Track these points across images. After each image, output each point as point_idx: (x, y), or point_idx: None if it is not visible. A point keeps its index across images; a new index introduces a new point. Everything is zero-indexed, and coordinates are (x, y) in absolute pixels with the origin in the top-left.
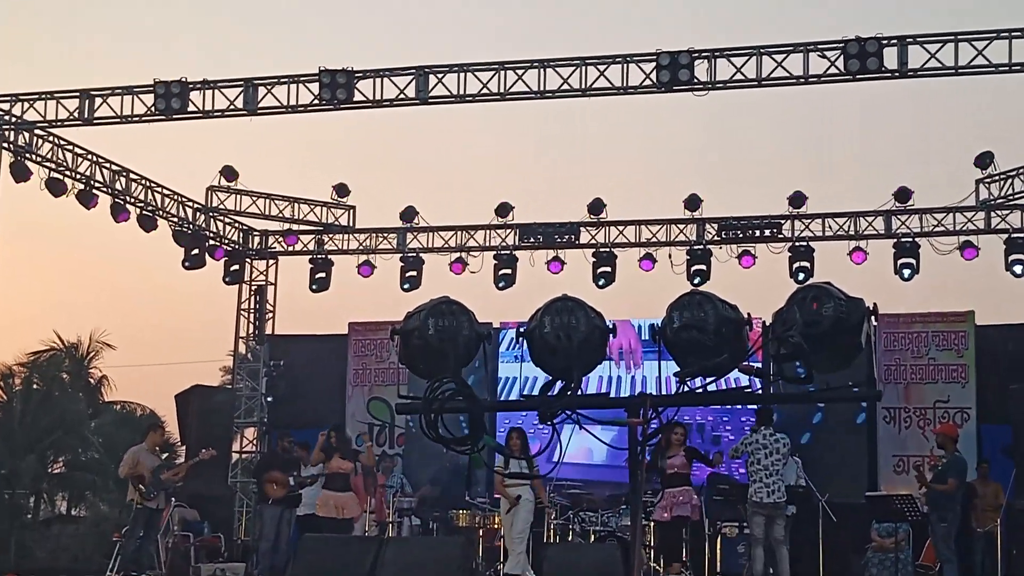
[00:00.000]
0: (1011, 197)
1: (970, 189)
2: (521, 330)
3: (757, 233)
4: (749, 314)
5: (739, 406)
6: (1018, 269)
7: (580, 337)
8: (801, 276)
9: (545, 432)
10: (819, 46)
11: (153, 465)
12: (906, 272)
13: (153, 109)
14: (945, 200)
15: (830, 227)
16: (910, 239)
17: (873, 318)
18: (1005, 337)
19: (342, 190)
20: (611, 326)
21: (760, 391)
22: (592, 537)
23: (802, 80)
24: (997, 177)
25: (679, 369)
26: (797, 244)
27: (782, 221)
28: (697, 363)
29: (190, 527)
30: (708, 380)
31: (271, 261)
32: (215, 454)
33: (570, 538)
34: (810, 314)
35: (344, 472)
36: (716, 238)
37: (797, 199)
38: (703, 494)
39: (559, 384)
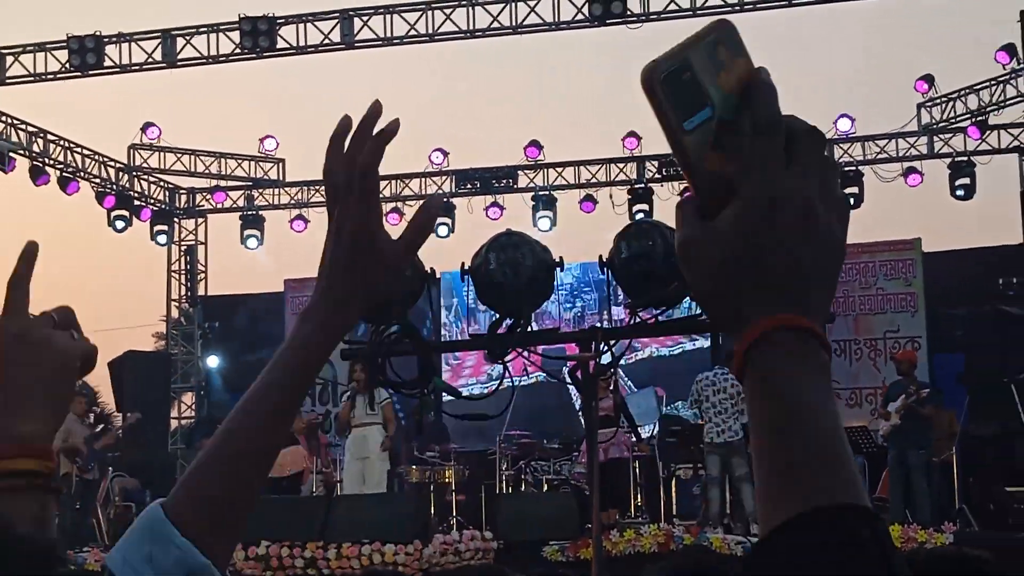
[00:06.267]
0: (953, 120)
1: (912, 114)
2: (466, 267)
3: None
4: None
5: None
6: (962, 193)
7: (528, 272)
8: None
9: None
10: None
11: (83, 435)
12: (850, 201)
13: (68, 66)
14: (887, 126)
15: None
16: (853, 167)
17: None
18: (953, 263)
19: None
20: (558, 260)
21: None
22: (545, 486)
23: (737, 7)
24: (939, 100)
25: (629, 300)
26: None
27: None
28: (648, 293)
29: (131, 496)
30: (659, 310)
31: (200, 219)
32: (140, 416)
33: (523, 488)
34: None
35: None
36: (657, 176)
37: None
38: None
39: (508, 322)
